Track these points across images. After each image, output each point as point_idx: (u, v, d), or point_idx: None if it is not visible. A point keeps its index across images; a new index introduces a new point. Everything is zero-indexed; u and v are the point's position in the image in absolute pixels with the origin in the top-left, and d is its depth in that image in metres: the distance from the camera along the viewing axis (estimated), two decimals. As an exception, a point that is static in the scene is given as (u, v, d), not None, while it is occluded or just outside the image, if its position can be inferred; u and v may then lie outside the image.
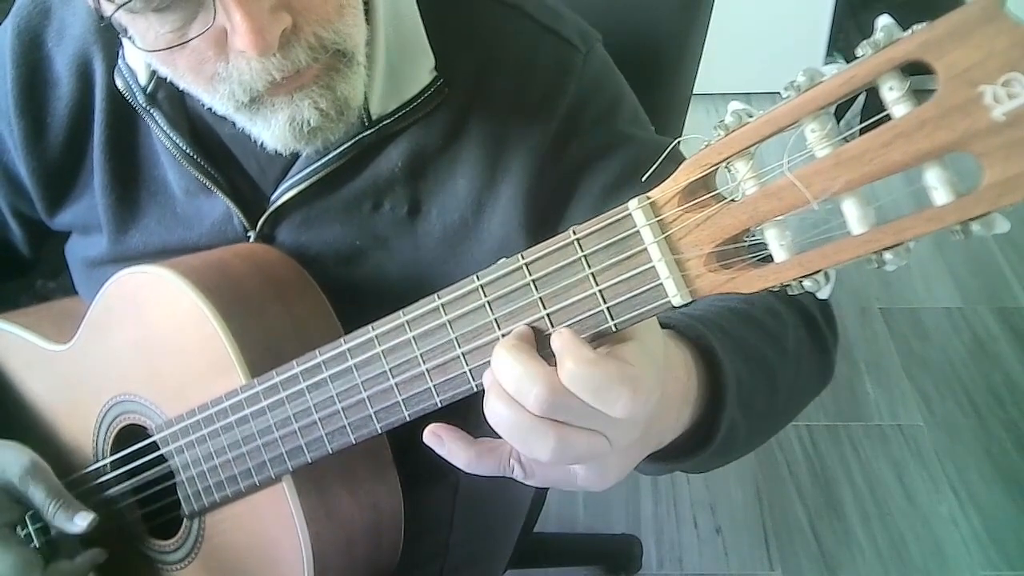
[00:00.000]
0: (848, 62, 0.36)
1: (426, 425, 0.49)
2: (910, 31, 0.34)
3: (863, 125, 0.36)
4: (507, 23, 0.71)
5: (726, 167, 0.40)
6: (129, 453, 0.74)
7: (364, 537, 0.69)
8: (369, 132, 0.69)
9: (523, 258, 0.46)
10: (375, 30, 0.67)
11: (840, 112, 2.17)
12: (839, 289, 1.95)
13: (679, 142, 0.57)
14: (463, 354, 0.49)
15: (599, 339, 0.45)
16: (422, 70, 0.70)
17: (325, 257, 0.73)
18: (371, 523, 0.70)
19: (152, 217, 0.76)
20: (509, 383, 0.43)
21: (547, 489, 1.21)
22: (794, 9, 2.68)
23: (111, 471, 0.76)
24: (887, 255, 0.36)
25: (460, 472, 0.49)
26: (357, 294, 0.72)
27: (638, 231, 0.43)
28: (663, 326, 0.52)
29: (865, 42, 0.35)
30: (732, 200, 0.41)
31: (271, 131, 0.62)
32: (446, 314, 0.49)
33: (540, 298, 0.46)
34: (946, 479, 1.71)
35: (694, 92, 1.02)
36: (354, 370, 0.55)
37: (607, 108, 0.72)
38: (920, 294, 2.12)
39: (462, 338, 0.49)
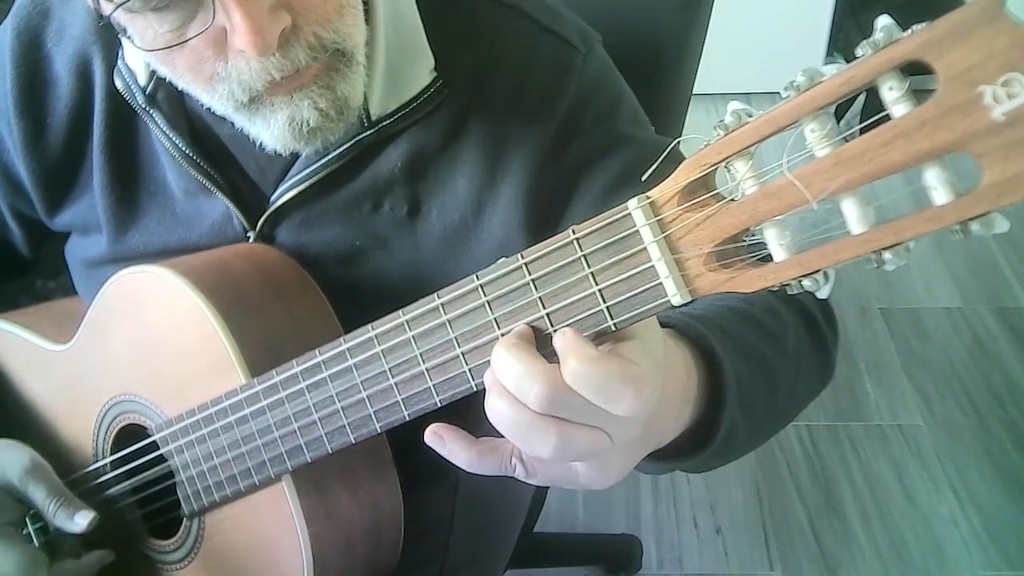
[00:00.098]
0: (848, 62, 0.36)
1: (426, 425, 0.49)
2: (910, 31, 0.34)
3: (863, 125, 0.36)
4: (506, 23, 0.71)
5: (726, 167, 0.40)
6: (129, 453, 0.74)
7: (364, 537, 0.69)
8: (369, 132, 0.69)
9: (522, 257, 0.46)
10: (375, 31, 0.67)
11: (840, 112, 2.17)
12: (839, 289, 1.95)
13: (679, 142, 0.57)
14: (463, 353, 0.49)
15: (599, 338, 0.45)
16: (422, 71, 0.70)
17: (325, 257, 0.73)
18: (371, 523, 0.70)
19: (152, 217, 0.76)
20: (509, 381, 0.43)
21: (547, 489, 1.21)
22: (794, 9, 2.68)
23: (111, 471, 0.76)
24: (887, 255, 0.36)
25: (460, 472, 0.49)
26: (357, 294, 0.72)
27: (637, 230, 0.43)
28: (663, 325, 0.52)
29: (865, 42, 0.35)
30: (732, 200, 0.41)
31: (270, 131, 0.62)
32: (445, 313, 0.49)
33: (540, 297, 0.46)
34: (946, 479, 1.71)
35: (694, 92, 1.02)
36: (354, 370, 0.55)
37: (607, 108, 0.72)
38: (920, 294, 2.12)
39: (461, 337, 0.49)
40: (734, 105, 0.40)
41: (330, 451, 0.59)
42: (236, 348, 0.64)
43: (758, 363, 0.59)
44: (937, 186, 0.35)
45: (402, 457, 0.70)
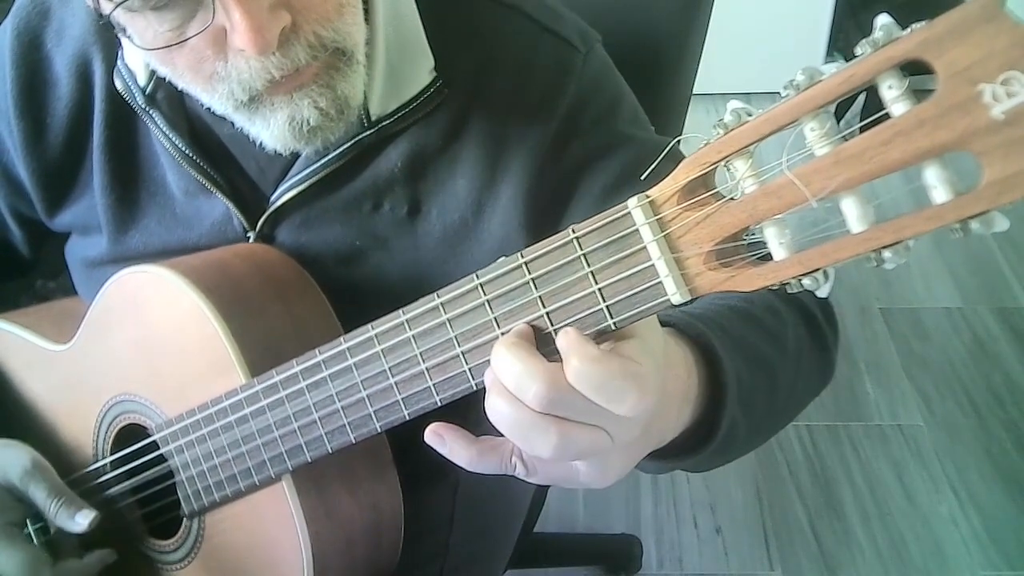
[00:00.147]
0: (848, 61, 0.36)
1: (426, 424, 0.49)
2: (909, 30, 0.34)
3: (863, 124, 0.36)
4: (506, 23, 0.71)
5: (725, 166, 0.40)
6: (129, 453, 0.74)
7: (364, 537, 0.69)
8: (369, 132, 0.69)
9: (522, 257, 0.46)
10: (374, 30, 0.67)
11: (840, 111, 2.17)
12: (839, 289, 1.95)
13: (679, 141, 0.57)
14: (462, 353, 0.49)
15: (599, 337, 0.45)
16: (421, 70, 0.70)
17: (325, 257, 0.73)
18: (371, 523, 0.70)
19: (152, 217, 0.76)
20: (509, 380, 0.43)
21: (547, 489, 1.21)
22: (794, 9, 2.68)
23: (111, 471, 0.76)
24: (886, 253, 0.36)
25: (460, 472, 0.49)
26: (357, 294, 0.72)
27: (637, 229, 0.43)
28: (663, 324, 0.52)
29: (864, 41, 0.35)
30: (731, 198, 0.41)
31: (270, 131, 0.62)
32: (445, 313, 0.49)
33: (539, 297, 0.46)
34: (946, 479, 1.71)
35: (694, 92, 1.02)
36: (353, 369, 0.55)
37: (607, 108, 0.72)
38: (920, 294, 2.12)
39: (461, 337, 0.49)
40: (734, 104, 0.40)
41: (330, 451, 0.59)
42: (236, 348, 0.64)
43: (758, 362, 0.59)
44: (937, 184, 0.35)
45: (402, 457, 0.70)
